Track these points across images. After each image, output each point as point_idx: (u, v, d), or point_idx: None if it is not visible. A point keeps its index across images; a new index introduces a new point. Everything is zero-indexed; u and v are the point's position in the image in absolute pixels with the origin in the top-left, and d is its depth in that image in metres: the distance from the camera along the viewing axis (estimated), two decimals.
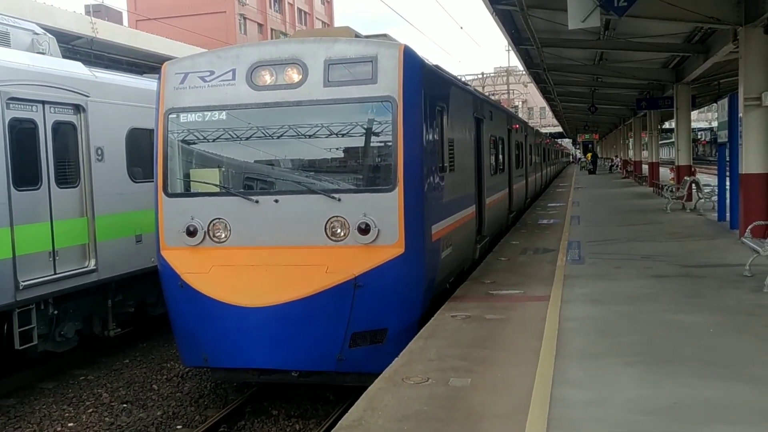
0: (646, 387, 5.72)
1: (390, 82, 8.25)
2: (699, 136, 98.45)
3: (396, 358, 6.87)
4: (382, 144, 8.47)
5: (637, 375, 6.03)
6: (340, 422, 5.25)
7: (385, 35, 10.89)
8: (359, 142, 8.63)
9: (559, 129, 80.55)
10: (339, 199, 8.24)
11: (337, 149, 8.75)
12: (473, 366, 6.45)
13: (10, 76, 9.05)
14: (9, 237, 8.87)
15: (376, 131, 8.47)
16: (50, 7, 17.36)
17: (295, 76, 8.50)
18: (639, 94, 29.92)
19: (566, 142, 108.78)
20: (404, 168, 8.16)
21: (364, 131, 8.52)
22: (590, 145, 71.52)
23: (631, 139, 46.11)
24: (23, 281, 9.03)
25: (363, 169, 8.64)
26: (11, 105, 9.06)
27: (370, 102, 8.35)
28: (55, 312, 9.88)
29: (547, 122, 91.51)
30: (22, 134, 9.27)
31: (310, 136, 8.63)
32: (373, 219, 8.13)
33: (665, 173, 37.02)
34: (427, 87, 8.74)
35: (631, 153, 47.43)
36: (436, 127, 9.21)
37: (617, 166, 59.22)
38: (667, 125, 47.44)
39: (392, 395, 5.76)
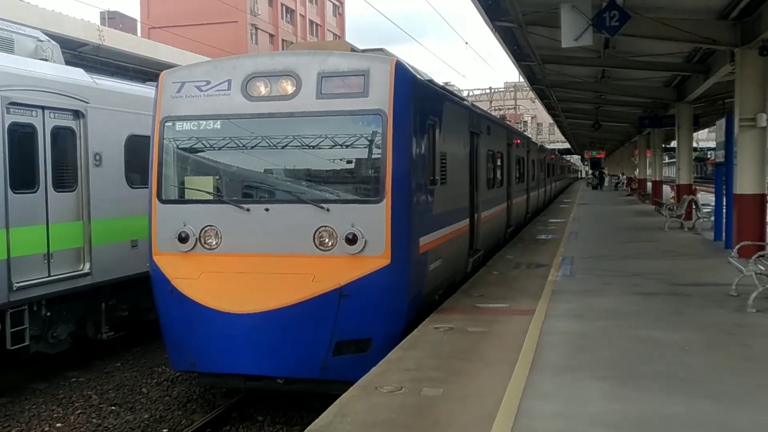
0: (613, 401, 5.82)
1: (381, 96, 8.41)
2: (709, 156, 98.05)
3: (373, 368, 6.99)
4: (372, 156, 8.62)
5: (607, 389, 6.14)
6: (309, 427, 5.38)
7: (381, 50, 11.06)
8: (349, 153, 8.78)
9: (568, 145, 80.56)
10: (328, 210, 8.39)
11: (327, 160, 8.91)
12: (448, 377, 6.57)
13: (10, 81, 9.26)
14: (4, 238, 9.05)
15: (366, 143, 8.63)
16: (59, 14, 17.67)
17: (288, 87, 8.68)
18: (643, 112, 30.01)
19: (575, 159, 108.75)
20: (392, 180, 8.30)
21: (355, 143, 8.68)
22: (600, 162, 71.97)
23: (636, 157, 46.13)
24: (17, 282, 9.20)
25: (352, 180, 8.79)
26: (11, 110, 9.26)
27: (361, 115, 8.52)
28: (49, 314, 10.03)
29: (555, 138, 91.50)
30: (22, 138, 9.47)
31: (302, 147, 8.80)
32: (361, 229, 8.28)
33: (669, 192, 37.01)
34: (418, 101, 8.89)
35: (637, 171, 47.44)
36: (427, 140, 9.36)
37: (623, 183, 59.29)
38: (674, 144, 47.49)
39: (364, 403, 5.88)
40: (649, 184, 37.15)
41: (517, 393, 5.98)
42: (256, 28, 67.07)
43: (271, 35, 69.52)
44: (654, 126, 28.39)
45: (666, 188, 34.66)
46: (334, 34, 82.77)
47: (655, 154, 34.09)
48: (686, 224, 21.38)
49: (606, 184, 65.77)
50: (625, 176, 59.17)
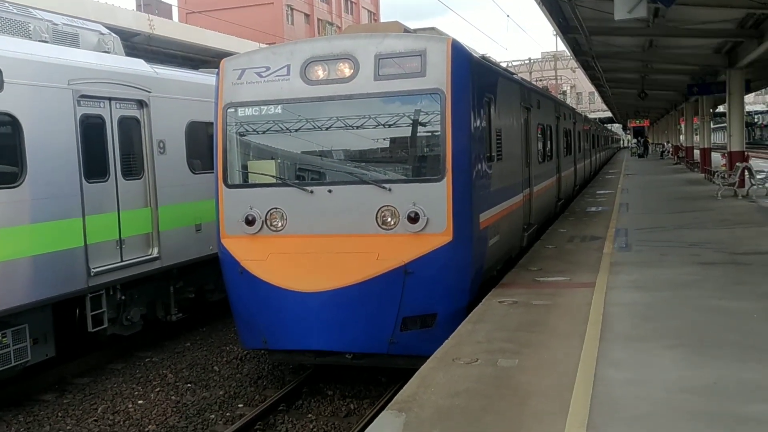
0: (686, 368, 5.95)
1: (438, 75, 8.54)
2: (756, 120, 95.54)
3: (446, 341, 7.20)
4: (431, 135, 8.77)
5: (678, 357, 6.26)
6: (395, 398, 5.62)
7: (433, 29, 11.19)
8: (409, 133, 8.94)
9: (609, 114, 79.34)
10: (389, 189, 8.58)
11: (387, 140, 9.09)
12: (520, 348, 6.76)
13: (80, 75, 9.61)
14: (81, 227, 9.47)
15: (425, 123, 8.78)
16: (112, 6, 18.10)
17: (346, 70, 8.85)
18: (691, 80, 29.42)
19: (617, 128, 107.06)
20: (452, 158, 8.45)
21: (414, 123, 8.82)
22: (643, 131, 70.98)
23: (682, 125, 45.30)
24: (94, 268, 9.63)
25: (412, 159, 8.96)
26: (82, 102, 9.63)
27: (420, 95, 8.66)
28: (122, 297, 10.46)
29: (596, 107, 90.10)
30: (92, 129, 9.84)
31: (361, 129, 8.98)
32: (422, 208, 8.45)
33: (718, 159, 36.35)
34: (474, 79, 8.99)
35: (682, 138, 46.61)
36: (484, 117, 9.47)
37: (668, 151, 58.31)
38: (721, 108, 46.48)
39: (444, 374, 6.11)
40: (697, 152, 36.55)
41: (591, 362, 6.14)
42: (292, 9, 67.20)
43: (307, 15, 69.58)
44: (703, 93, 27.85)
45: (715, 155, 34.03)
46: (368, 11, 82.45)
47: (704, 121, 33.45)
48: (740, 192, 21.09)
49: (650, 152, 64.97)
50: (670, 144, 58.12)
